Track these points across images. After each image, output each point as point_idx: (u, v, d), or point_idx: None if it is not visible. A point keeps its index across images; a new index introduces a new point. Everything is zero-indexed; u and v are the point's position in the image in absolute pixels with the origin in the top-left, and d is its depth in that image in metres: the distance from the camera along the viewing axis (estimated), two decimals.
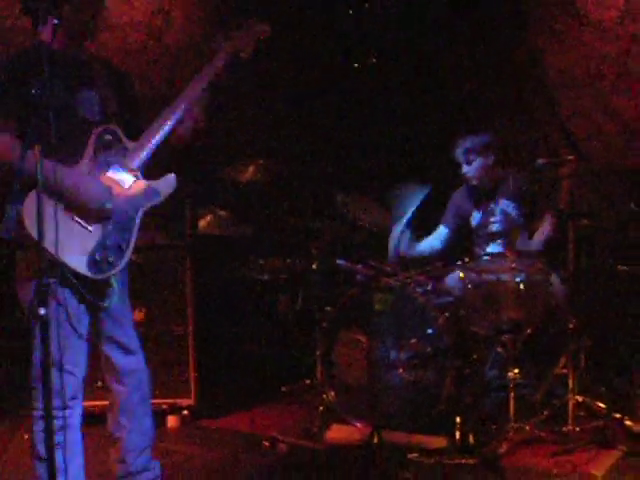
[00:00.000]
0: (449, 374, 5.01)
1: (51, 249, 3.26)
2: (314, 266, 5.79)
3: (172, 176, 3.82)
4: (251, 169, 6.16)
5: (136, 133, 3.83)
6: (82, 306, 3.60)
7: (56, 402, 3.34)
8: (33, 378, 3.53)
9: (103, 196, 3.56)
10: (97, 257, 3.50)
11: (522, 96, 7.20)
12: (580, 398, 5.01)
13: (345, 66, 7.52)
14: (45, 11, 3.53)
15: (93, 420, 4.11)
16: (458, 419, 4.88)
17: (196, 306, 5.77)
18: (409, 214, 5.77)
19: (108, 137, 3.70)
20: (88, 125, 3.69)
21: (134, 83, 4.11)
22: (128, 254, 3.63)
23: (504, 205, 5.88)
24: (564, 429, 4.87)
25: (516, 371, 4.86)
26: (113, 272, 3.57)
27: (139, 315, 5.57)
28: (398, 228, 5.80)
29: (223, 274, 6.36)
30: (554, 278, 5.24)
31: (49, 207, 3.23)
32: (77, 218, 3.50)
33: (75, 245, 3.45)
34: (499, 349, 5.13)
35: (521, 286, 4.86)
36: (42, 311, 2.81)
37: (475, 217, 6.06)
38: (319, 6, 7.37)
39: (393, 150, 7.40)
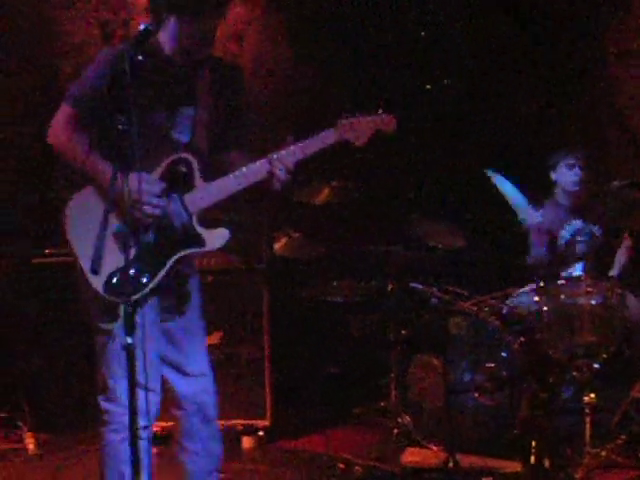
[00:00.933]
0: (524, 398, 4.99)
1: (83, 262, 3.30)
2: (389, 289, 5.81)
3: (225, 231, 3.58)
4: (325, 191, 6.21)
5: (232, 143, 3.74)
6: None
7: (142, 421, 3.17)
8: (103, 393, 3.51)
9: (149, 202, 3.40)
10: (114, 280, 3.33)
11: (595, 119, 7.17)
12: None
13: (419, 88, 7.55)
14: (171, 10, 3.49)
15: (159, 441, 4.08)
16: (533, 443, 4.85)
17: (272, 328, 5.82)
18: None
19: (182, 168, 3.54)
20: (177, 149, 3.56)
21: (243, 81, 3.89)
22: (147, 291, 3.40)
23: (594, 228, 5.87)
24: None
25: (592, 395, 4.83)
26: (122, 301, 3.23)
27: (215, 338, 5.64)
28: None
29: (298, 296, 6.39)
30: (630, 299, 5.20)
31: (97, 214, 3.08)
32: (117, 231, 3.39)
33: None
34: (575, 373, 5.09)
35: (597, 309, 4.84)
36: (129, 340, 2.84)
37: (563, 236, 6.01)
38: (394, 29, 7.41)
39: (466, 172, 7.39)
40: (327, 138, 3.66)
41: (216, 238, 3.55)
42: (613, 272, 5.70)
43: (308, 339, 6.60)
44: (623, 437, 5.04)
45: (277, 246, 6.24)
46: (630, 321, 5.15)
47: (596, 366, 4.90)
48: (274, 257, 6.06)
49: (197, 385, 3.73)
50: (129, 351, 2.84)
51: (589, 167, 5.94)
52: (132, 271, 3.26)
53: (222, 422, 4.03)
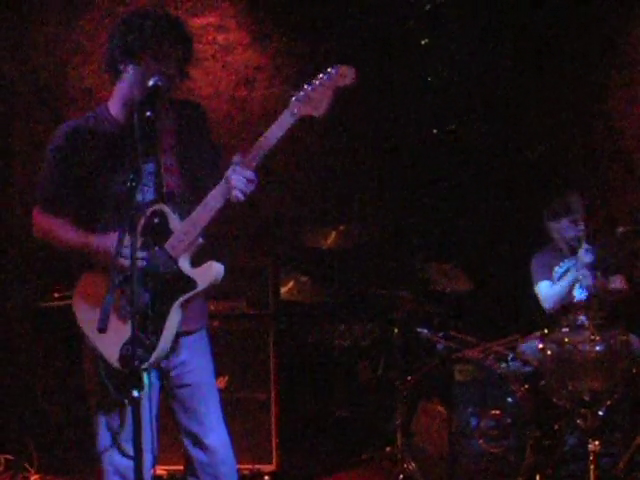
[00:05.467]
0: (529, 445, 5.00)
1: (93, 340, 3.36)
2: (395, 333, 5.83)
3: (214, 264, 3.47)
4: (332, 235, 6.26)
5: (204, 179, 3.59)
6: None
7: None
8: (100, 449, 3.53)
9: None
10: (124, 351, 3.31)
11: (598, 160, 7.21)
12: None
13: (423, 132, 7.61)
14: (123, 62, 3.46)
15: None
16: None
17: (278, 372, 5.83)
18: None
19: (156, 220, 3.46)
20: (141, 207, 3.44)
21: (206, 118, 3.78)
22: (158, 350, 3.38)
23: (588, 258, 5.89)
24: None
25: (597, 443, 4.84)
26: (142, 367, 3.27)
27: (222, 382, 5.65)
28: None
29: (305, 340, 6.42)
30: (635, 342, 5.22)
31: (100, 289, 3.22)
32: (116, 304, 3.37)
33: (112, 336, 3.28)
34: (579, 420, 5.10)
35: (601, 356, 4.86)
36: (135, 393, 2.89)
37: (557, 272, 6.04)
38: (402, 74, 7.49)
39: (472, 215, 7.44)
40: (284, 122, 3.43)
41: (207, 274, 3.46)
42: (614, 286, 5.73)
43: (314, 383, 6.60)
44: None
45: (284, 290, 6.28)
46: (635, 364, 5.15)
47: (600, 413, 4.91)
48: (281, 301, 6.09)
49: (215, 457, 3.66)
50: (135, 404, 2.87)
51: (589, 218, 5.97)
52: (141, 337, 3.31)
53: None
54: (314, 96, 3.42)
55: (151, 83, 3.36)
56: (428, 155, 7.58)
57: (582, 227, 5.92)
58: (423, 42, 7.52)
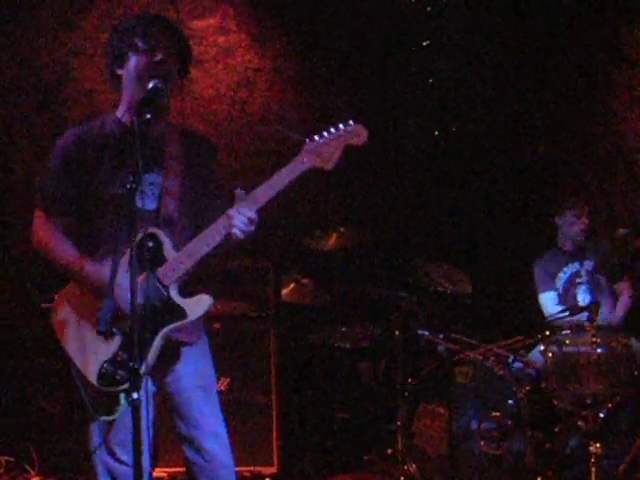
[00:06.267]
0: (530, 447, 5.01)
1: (77, 361, 3.33)
2: (396, 335, 5.83)
3: (206, 297, 3.45)
4: (333, 237, 6.25)
5: (204, 213, 3.58)
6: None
7: None
8: (91, 448, 3.51)
9: (124, 300, 3.23)
10: (104, 371, 3.31)
11: (599, 161, 7.21)
12: None
13: (424, 133, 7.61)
14: (119, 66, 3.50)
15: None
16: None
17: (279, 374, 5.84)
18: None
19: (150, 244, 3.41)
20: (142, 218, 3.40)
21: (216, 155, 3.81)
22: (141, 373, 3.14)
23: (589, 266, 5.92)
24: None
25: (598, 445, 4.84)
26: (118, 389, 3.30)
27: (223, 384, 5.66)
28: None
29: (306, 341, 6.42)
30: (635, 345, 5.22)
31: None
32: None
33: (91, 353, 3.33)
34: (580, 422, 5.10)
35: (602, 358, 4.86)
36: (135, 395, 2.88)
37: (561, 278, 6.07)
38: (402, 78, 7.50)
39: (472, 216, 7.44)
40: (293, 169, 3.44)
41: (197, 306, 3.43)
42: (617, 321, 5.75)
43: (315, 385, 6.60)
44: None
45: (285, 292, 6.27)
46: (636, 367, 5.15)
47: (602, 415, 4.91)
48: (282, 303, 6.09)
49: (214, 461, 3.61)
50: (135, 406, 2.87)
51: (594, 216, 6.01)
52: (119, 359, 3.30)
53: None
54: (324, 150, 3.46)
55: (151, 85, 3.36)
56: (429, 157, 7.58)
57: (586, 221, 5.96)
58: (424, 43, 7.53)
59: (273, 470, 5.75)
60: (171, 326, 3.37)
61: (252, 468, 5.70)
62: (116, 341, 3.33)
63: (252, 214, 3.38)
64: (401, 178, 7.48)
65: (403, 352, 5.78)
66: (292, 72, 7.38)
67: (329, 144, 3.47)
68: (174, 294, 3.42)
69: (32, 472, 5.94)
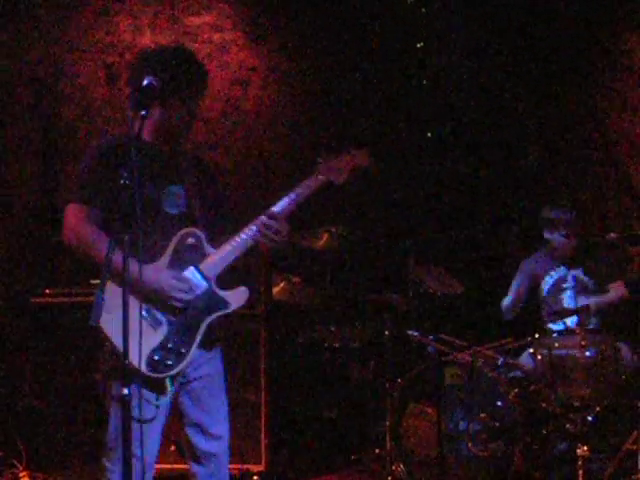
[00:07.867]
0: (518, 449, 5.02)
1: (116, 341, 3.34)
2: (386, 335, 5.84)
3: (244, 289, 3.74)
4: (324, 237, 6.25)
5: (218, 231, 3.84)
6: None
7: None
8: (107, 456, 3.57)
9: (179, 293, 3.57)
10: (156, 357, 3.50)
11: (590, 165, 7.23)
12: None
13: (417, 135, 7.62)
14: (152, 105, 3.56)
15: None
16: None
17: (269, 372, 5.84)
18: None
19: (191, 240, 3.69)
20: (170, 220, 3.70)
21: (218, 179, 4.10)
22: (187, 359, 3.57)
23: (577, 272, 5.93)
24: None
25: (585, 448, 4.86)
26: (169, 374, 3.55)
27: None
28: None
29: (295, 341, 6.42)
30: (624, 349, 5.24)
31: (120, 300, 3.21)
32: (145, 314, 3.51)
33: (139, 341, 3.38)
34: (568, 425, 5.11)
35: (591, 362, 4.89)
36: (125, 391, 2.90)
37: (547, 282, 6.08)
38: (397, 79, 7.51)
39: (464, 219, 7.45)
40: (312, 184, 3.84)
41: (239, 296, 3.71)
42: (610, 300, 5.78)
43: (304, 384, 6.60)
44: None
45: (275, 291, 6.28)
46: (624, 371, 5.18)
47: (590, 419, 4.94)
48: (272, 302, 6.09)
49: (219, 447, 3.85)
50: (124, 402, 2.89)
51: (581, 227, 6.00)
52: (170, 345, 3.54)
53: None
54: (337, 165, 3.93)
55: (146, 82, 3.39)
56: (421, 158, 7.59)
57: (574, 242, 5.94)
58: (418, 45, 7.54)
59: (261, 468, 5.74)
60: (215, 315, 3.65)
61: (240, 466, 5.70)
62: (161, 329, 3.55)
63: (286, 227, 3.73)
64: (392, 178, 7.48)
65: (392, 352, 5.80)
66: (286, 71, 7.39)
67: (341, 161, 3.94)
68: (215, 287, 3.68)
69: (20, 467, 5.91)
